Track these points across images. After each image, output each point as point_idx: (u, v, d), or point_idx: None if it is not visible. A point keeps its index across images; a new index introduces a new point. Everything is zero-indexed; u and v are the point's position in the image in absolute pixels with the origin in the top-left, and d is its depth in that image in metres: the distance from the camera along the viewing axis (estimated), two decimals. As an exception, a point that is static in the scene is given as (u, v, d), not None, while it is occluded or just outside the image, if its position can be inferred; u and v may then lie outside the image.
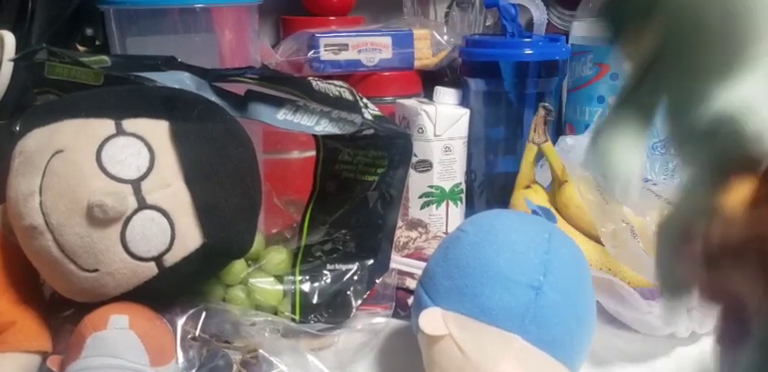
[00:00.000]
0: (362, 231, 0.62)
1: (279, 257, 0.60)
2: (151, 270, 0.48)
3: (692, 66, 0.23)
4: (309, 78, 0.57)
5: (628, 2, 0.25)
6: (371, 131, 0.59)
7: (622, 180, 0.25)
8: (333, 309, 0.59)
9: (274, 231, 0.67)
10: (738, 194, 0.22)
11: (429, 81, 0.87)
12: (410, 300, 0.60)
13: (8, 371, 0.48)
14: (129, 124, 0.50)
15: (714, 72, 0.22)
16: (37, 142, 0.50)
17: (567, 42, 0.82)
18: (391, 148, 0.61)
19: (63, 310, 0.53)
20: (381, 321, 0.60)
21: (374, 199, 0.62)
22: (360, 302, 0.60)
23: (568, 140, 0.76)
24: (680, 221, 0.24)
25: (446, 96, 0.79)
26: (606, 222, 0.61)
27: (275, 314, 0.58)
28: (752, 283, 0.22)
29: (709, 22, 0.22)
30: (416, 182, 0.78)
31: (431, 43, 0.86)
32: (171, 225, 0.48)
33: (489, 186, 0.82)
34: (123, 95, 0.52)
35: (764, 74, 0.22)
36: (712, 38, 0.22)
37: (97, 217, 0.46)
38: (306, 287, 0.60)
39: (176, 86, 0.54)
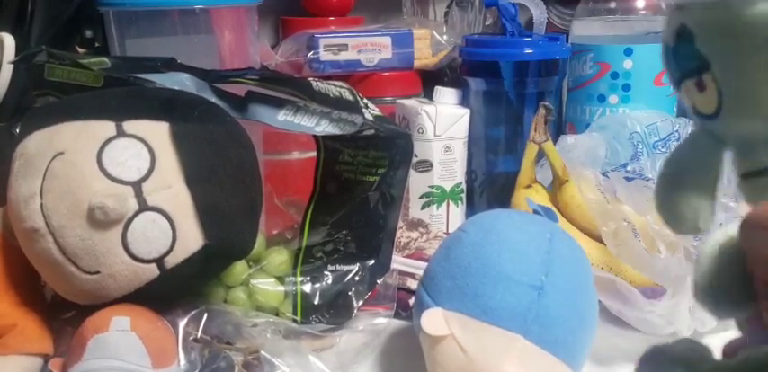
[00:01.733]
0: (363, 231, 0.62)
1: (280, 258, 0.60)
2: (152, 271, 0.48)
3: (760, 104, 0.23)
4: (309, 79, 0.57)
5: (686, 56, 0.25)
6: (372, 132, 0.59)
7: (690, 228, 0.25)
8: (334, 310, 0.59)
9: (275, 232, 0.67)
10: None
11: (429, 81, 0.87)
12: (411, 301, 0.60)
13: (10, 374, 0.48)
14: (130, 126, 0.49)
15: None
16: (37, 144, 0.50)
17: (566, 41, 0.82)
18: (392, 148, 0.61)
19: (64, 312, 0.53)
20: (383, 321, 0.60)
21: (375, 200, 0.62)
22: (361, 302, 0.60)
23: (569, 139, 0.76)
24: None
25: (446, 96, 0.79)
26: (608, 221, 0.61)
27: (276, 315, 0.58)
28: None
29: None
30: (417, 183, 0.78)
31: (430, 43, 0.86)
32: (172, 226, 0.48)
33: (490, 186, 0.82)
34: (123, 97, 0.52)
35: None
36: None
37: (98, 219, 0.46)
38: (307, 287, 0.60)
39: (176, 88, 0.54)
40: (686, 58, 0.25)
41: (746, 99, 0.24)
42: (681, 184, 0.25)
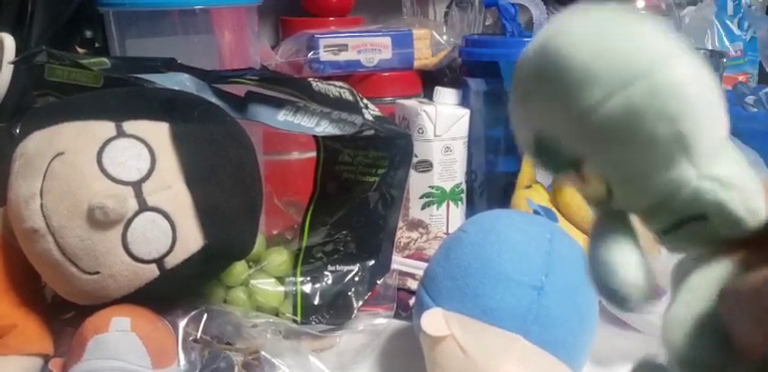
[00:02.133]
0: (363, 232, 0.62)
1: (280, 258, 0.60)
2: (152, 272, 0.48)
3: (647, 183, 0.23)
4: (309, 79, 0.57)
5: (554, 156, 0.25)
6: (372, 132, 0.59)
7: (631, 291, 0.25)
8: (334, 310, 0.59)
9: (275, 232, 0.67)
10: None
11: (429, 81, 0.87)
12: (411, 301, 0.60)
13: (10, 374, 0.48)
14: (130, 126, 0.49)
15: (670, 177, 0.23)
16: (37, 144, 0.50)
17: (566, 42, 0.82)
18: (392, 149, 0.61)
19: (64, 313, 0.53)
20: (383, 322, 0.60)
21: (375, 200, 0.62)
22: (361, 303, 0.60)
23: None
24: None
25: (446, 96, 0.79)
26: (607, 221, 0.61)
27: (276, 315, 0.58)
28: None
29: (648, 141, 0.22)
30: (417, 183, 0.78)
31: (430, 43, 0.86)
32: (172, 226, 0.48)
33: (490, 186, 0.82)
34: (123, 97, 0.52)
35: (731, 158, 0.23)
36: (656, 150, 0.22)
37: (98, 220, 0.46)
38: (307, 288, 0.60)
39: (176, 88, 0.54)
40: (555, 161, 0.25)
41: (633, 180, 0.24)
42: (609, 256, 0.25)
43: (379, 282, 0.61)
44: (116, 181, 0.47)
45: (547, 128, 0.24)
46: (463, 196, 0.80)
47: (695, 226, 0.24)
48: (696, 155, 0.22)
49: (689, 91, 0.22)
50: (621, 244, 0.25)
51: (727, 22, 1.15)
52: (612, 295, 0.25)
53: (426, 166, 0.77)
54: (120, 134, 0.49)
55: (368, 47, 0.82)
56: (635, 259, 0.25)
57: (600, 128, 0.23)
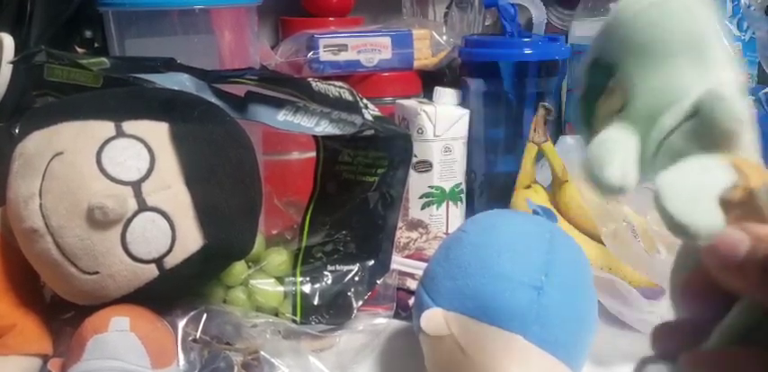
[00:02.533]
0: (363, 232, 0.62)
1: (279, 258, 0.60)
2: (152, 272, 0.48)
3: (665, 78, 0.29)
4: (309, 79, 0.57)
5: (602, 67, 0.31)
6: (371, 132, 0.59)
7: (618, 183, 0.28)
8: (334, 310, 0.59)
9: (275, 232, 0.67)
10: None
11: (429, 81, 0.87)
12: (411, 301, 0.60)
13: (9, 374, 0.48)
14: (129, 126, 0.49)
15: (683, 77, 0.29)
16: (36, 144, 0.50)
17: (566, 42, 0.82)
18: (391, 149, 0.61)
19: (63, 313, 0.52)
20: (382, 322, 0.60)
21: (374, 200, 0.62)
22: (361, 303, 0.60)
23: (569, 140, 0.75)
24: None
25: (446, 96, 0.79)
26: (607, 222, 0.61)
27: (276, 315, 0.58)
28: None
29: (670, 51, 0.29)
30: (417, 183, 0.78)
31: (430, 43, 0.86)
32: (171, 226, 0.48)
33: (489, 186, 0.82)
34: (123, 97, 0.52)
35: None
36: (675, 57, 0.29)
37: (97, 220, 0.46)
38: (306, 288, 0.59)
39: (176, 88, 0.54)
40: (598, 76, 0.31)
41: (648, 76, 0.29)
42: (609, 152, 0.29)
43: (378, 282, 0.61)
44: (115, 180, 0.47)
45: (605, 47, 0.31)
46: (463, 196, 0.80)
47: (685, 129, 0.27)
48: (708, 61, 0.28)
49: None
50: (620, 140, 0.29)
51: (726, 22, 1.15)
52: (601, 175, 0.28)
53: (426, 166, 0.77)
54: (120, 134, 0.49)
55: (368, 47, 0.82)
56: (629, 148, 0.28)
57: (633, 32, 0.29)
